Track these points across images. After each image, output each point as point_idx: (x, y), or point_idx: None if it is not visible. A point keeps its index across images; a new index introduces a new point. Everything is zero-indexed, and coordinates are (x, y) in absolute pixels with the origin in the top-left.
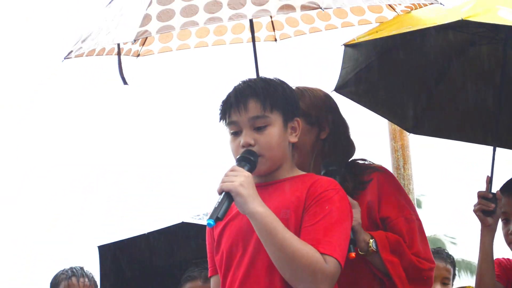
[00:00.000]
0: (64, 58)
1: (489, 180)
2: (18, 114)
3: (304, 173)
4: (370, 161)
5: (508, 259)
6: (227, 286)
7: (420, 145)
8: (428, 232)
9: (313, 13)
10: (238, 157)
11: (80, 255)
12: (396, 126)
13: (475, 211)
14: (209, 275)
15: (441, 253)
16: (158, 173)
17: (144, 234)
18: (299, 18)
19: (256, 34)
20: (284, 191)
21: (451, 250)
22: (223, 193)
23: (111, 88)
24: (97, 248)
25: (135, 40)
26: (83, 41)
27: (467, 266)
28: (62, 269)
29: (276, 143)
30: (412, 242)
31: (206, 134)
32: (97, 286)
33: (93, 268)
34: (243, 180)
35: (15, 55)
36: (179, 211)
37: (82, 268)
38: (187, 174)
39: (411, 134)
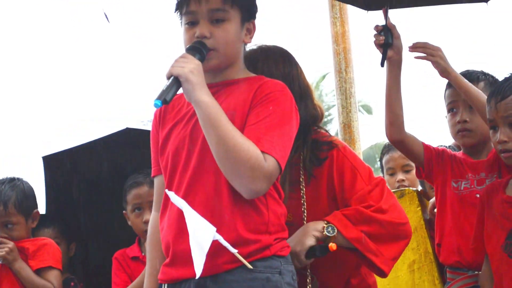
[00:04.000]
0: None
1: (385, 12)
2: None
3: (254, 75)
4: (329, 134)
5: (456, 153)
6: (174, 188)
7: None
8: (378, 138)
9: None
10: (188, 46)
11: (25, 166)
12: (338, 28)
13: (375, 46)
14: (152, 174)
15: (391, 146)
16: (103, 79)
17: (89, 142)
18: None
19: None
20: (232, 93)
21: None
22: (172, 78)
23: None
24: (41, 158)
25: None
26: None
27: None
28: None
29: (231, 39)
30: (379, 203)
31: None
32: (34, 197)
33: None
34: (194, 67)
35: None
36: (125, 118)
37: (17, 179)
38: (133, 79)
39: (353, 38)
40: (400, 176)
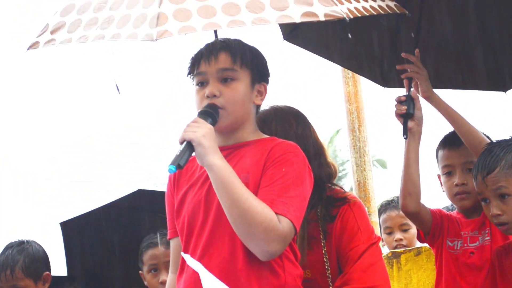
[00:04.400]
0: (28, 49)
1: (407, 83)
2: None
3: (267, 136)
4: (344, 190)
5: (451, 213)
6: (191, 250)
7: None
8: (393, 192)
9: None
10: (200, 110)
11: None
12: (351, 88)
13: (395, 116)
14: (168, 237)
15: (393, 202)
16: (114, 144)
17: (103, 207)
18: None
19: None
20: (245, 155)
21: None
22: (185, 143)
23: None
24: (59, 225)
25: (156, 40)
26: (53, 32)
27: None
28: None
29: (240, 98)
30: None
31: (164, 103)
32: (44, 259)
33: (55, 244)
34: (206, 132)
35: None
36: (137, 180)
37: (26, 242)
38: (144, 144)
39: (366, 96)
40: (398, 235)
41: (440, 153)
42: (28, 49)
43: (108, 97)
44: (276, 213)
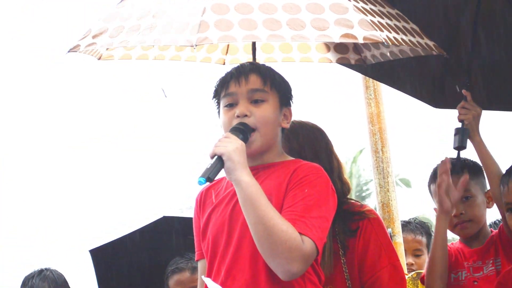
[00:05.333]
0: (69, 51)
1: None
2: None
3: (292, 158)
4: (361, 203)
5: (452, 245)
6: (214, 273)
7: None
8: (417, 212)
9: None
10: (232, 127)
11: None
12: (373, 109)
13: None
14: (196, 258)
15: (410, 225)
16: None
17: (129, 234)
18: (277, 46)
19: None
20: (269, 176)
21: None
22: (215, 157)
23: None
24: (88, 252)
25: (196, 46)
26: (95, 36)
27: None
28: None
29: (270, 119)
30: None
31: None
32: (65, 283)
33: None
34: (237, 147)
35: None
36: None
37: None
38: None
39: (389, 117)
40: (410, 259)
41: (432, 187)
42: (68, 51)
43: (114, 97)
44: (299, 233)
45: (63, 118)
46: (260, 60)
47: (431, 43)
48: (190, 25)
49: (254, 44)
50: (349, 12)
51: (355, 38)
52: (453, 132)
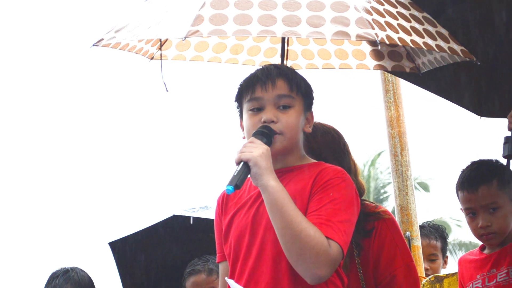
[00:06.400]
0: (93, 45)
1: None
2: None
3: (314, 161)
4: (375, 204)
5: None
6: (236, 275)
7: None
8: (435, 215)
9: (331, 49)
10: (255, 131)
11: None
12: (393, 113)
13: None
14: (217, 260)
15: (424, 229)
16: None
17: (147, 228)
18: (316, 52)
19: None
20: (292, 180)
21: (456, 232)
22: (242, 163)
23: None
24: (108, 244)
25: (185, 38)
26: (117, 31)
27: (474, 248)
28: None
29: (296, 125)
30: None
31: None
32: (90, 284)
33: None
34: (262, 152)
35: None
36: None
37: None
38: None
39: (408, 121)
40: (425, 264)
41: (460, 194)
42: (93, 45)
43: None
44: (326, 237)
45: (87, 116)
46: (302, 66)
47: (458, 48)
48: (186, 19)
49: (283, 47)
50: (349, 11)
51: (348, 35)
52: (472, 138)
